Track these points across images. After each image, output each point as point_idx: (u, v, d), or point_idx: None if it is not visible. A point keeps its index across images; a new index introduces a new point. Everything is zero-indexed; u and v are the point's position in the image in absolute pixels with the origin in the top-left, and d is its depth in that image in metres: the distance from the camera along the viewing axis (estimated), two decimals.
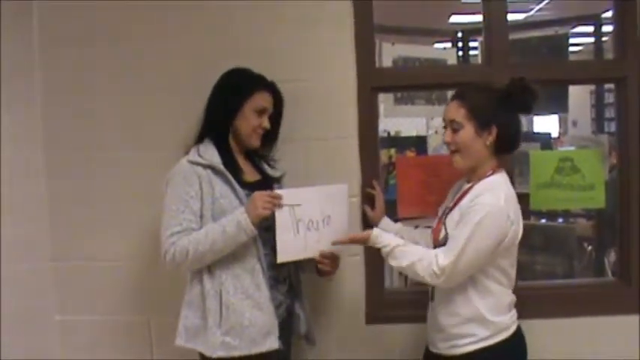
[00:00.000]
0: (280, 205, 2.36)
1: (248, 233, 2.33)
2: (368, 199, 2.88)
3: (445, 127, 2.47)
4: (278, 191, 2.40)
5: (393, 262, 2.39)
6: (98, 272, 2.99)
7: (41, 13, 2.97)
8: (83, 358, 3.00)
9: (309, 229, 2.44)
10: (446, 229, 2.40)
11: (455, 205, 2.44)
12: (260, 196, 2.34)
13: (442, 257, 2.27)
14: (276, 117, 2.60)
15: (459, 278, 2.31)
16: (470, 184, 2.44)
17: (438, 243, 2.42)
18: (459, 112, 2.39)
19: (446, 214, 2.46)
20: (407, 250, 2.37)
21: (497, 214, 2.29)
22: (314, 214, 2.45)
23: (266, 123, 2.52)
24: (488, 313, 2.35)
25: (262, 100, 2.50)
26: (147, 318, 3.01)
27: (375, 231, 2.45)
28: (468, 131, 2.38)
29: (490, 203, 2.30)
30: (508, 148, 2.47)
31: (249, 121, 2.49)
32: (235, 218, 2.33)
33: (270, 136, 2.61)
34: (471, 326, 2.36)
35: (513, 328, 2.41)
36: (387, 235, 2.45)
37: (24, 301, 2.94)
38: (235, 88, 2.50)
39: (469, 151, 2.40)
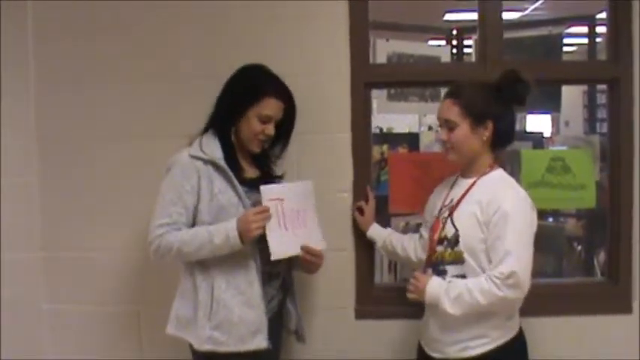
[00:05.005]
0: (269, 217, 2.35)
1: (235, 249, 2.33)
2: (358, 206, 2.90)
3: (440, 126, 2.47)
4: (263, 189, 2.39)
5: (455, 309, 2.32)
6: (88, 262, 2.99)
7: (36, 3, 2.95)
8: (71, 347, 3.00)
9: (295, 225, 2.43)
10: (455, 226, 2.39)
11: (459, 201, 2.43)
12: (252, 215, 2.32)
13: (500, 267, 2.24)
14: (287, 125, 2.56)
15: (528, 279, 2.28)
16: (472, 180, 2.44)
17: (442, 241, 2.42)
18: (452, 111, 2.40)
19: (450, 211, 2.44)
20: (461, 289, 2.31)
21: (525, 206, 2.35)
22: (294, 209, 2.44)
23: (269, 130, 2.47)
24: (500, 314, 2.36)
25: (268, 108, 2.45)
26: (136, 309, 3.01)
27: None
28: (463, 129, 2.39)
29: (516, 199, 2.34)
30: (503, 142, 2.49)
31: (252, 127, 2.45)
32: (225, 232, 2.31)
33: (277, 142, 2.59)
34: (483, 329, 2.35)
35: (519, 324, 2.44)
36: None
37: (13, 290, 2.94)
38: (244, 91, 2.46)
39: (465, 149, 2.41)
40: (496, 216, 2.30)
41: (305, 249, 2.45)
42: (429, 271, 2.47)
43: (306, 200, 2.51)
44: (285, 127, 2.56)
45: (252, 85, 2.47)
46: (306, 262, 2.49)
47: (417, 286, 2.42)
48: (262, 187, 2.40)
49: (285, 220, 2.41)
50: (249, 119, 2.45)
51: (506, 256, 2.24)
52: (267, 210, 2.35)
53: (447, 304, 2.31)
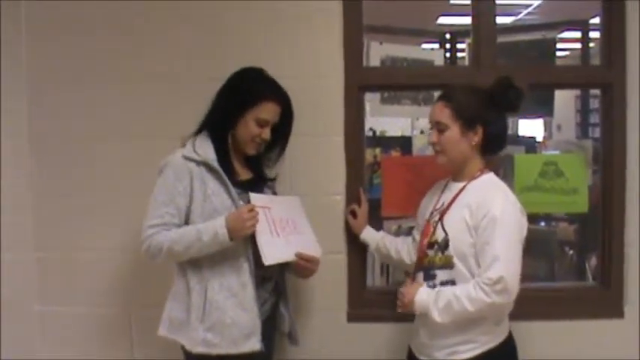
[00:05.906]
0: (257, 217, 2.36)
1: (223, 246, 2.33)
2: (351, 209, 2.90)
3: (431, 128, 2.47)
4: (252, 196, 2.42)
5: (443, 318, 2.33)
6: (81, 264, 2.98)
7: (30, 3, 2.93)
8: (62, 349, 2.98)
9: (286, 232, 2.46)
10: (445, 230, 2.39)
11: (450, 205, 2.43)
12: (246, 213, 2.32)
13: (488, 273, 2.24)
14: (283, 129, 2.57)
15: (517, 285, 2.28)
16: (463, 184, 2.44)
17: (432, 245, 2.42)
18: (444, 113, 2.41)
19: (440, 215, 2.44)
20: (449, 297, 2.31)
21: (514, 211, 2.34)
22: (283, 217, 2.47)
23: (266, 134, 2.48)
24: (489, 319, 2.36)
25: (266, 112, 2.46)
26: (128, 311, 2.99)
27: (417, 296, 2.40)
28: (453, 132, 2.39)
29: (505, 203, 2.33)
30: (494, 148, 2.49)
31: (249, 130, 2.46)
32: (213, 228, 2.31)
33: (274, 146, 2.60)
34: (472, 334, 2.35)
35: (508, 329, 2.44)
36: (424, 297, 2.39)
37: (4, 291, 2.91)
38: (242, 94, 2.46)
39: (454, 152, 2.41)
40: (485, 220, 2.30)
41: (299, 255, 2.45)
42: (420, 275, 2.47)
43: (294, 211, 2.56)
44: (281, 131, 2.57)
45: (251, 88, 2.47)
46: (301, 267, 2.50)
47: (403, 301, 2.43)
48: (251, 194, 2.42)
49: (276, 226, 2.43)
50: (246, 122, 2.45)
51: (495, 261, 2.24)
52: (251, 208, 2.35)
53: (435, 313, 2.32)
